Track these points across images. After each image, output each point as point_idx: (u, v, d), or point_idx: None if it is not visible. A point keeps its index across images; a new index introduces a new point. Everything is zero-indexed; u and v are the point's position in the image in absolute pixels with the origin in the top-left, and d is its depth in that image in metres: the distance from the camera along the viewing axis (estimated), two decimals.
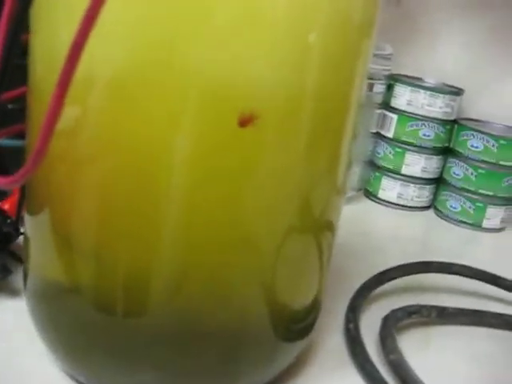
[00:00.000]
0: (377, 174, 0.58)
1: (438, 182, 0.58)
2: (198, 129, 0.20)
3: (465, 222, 0.56)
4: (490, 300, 0.40)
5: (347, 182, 0.27)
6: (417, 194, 0.57)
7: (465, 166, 0.55)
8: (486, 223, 0.55)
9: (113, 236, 0.22)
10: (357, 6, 0.21)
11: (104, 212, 0.22)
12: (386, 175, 0.57)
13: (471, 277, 0.39)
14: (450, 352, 0.34)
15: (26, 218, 0.25)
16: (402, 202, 0.57)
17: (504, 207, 0.55)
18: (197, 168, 0.20)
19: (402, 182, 0.57)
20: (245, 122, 0.20)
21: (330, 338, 0.33)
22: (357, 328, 0.32)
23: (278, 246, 0.23)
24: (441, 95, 0.54)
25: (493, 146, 0.53)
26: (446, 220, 0.57)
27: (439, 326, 0.36)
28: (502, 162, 0.53)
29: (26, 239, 0.25)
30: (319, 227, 0.25)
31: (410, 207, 0.58)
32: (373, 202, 0.59)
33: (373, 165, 0.59)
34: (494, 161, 0.53)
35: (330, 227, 0.26)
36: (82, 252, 0.23)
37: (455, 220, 0.56)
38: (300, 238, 0.24)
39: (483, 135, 0.53)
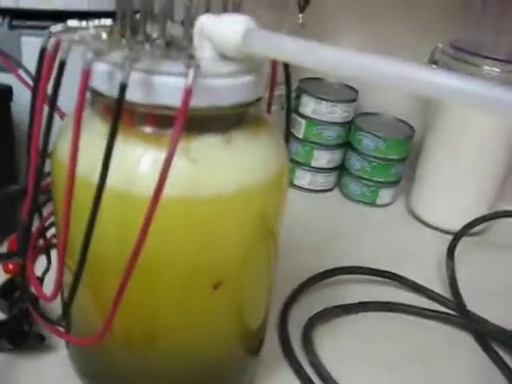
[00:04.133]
0: (291, 165, 0.71)
1: (341, 169, 0.72)
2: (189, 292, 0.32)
3: (362, 202, 0.70)
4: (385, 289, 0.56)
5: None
6: (324, 181, 0.71)
7: (361, 159, 0.68)
8: (378, 201, 0.70)
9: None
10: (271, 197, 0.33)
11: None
12: (298, 167, 0.70)
13: (365, 274, 0.54)
14: (350, 337, 0.49)
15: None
16: (312, 187, 0.71)
17: (393, 188, 0.70)
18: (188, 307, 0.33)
19: (311, 173, 0.70)
20: (216, 285, 0.32)
21: (268, 344, 0.47)
22: (287, 337, 0.46)
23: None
24: (339, 104, 0.66)
25: (382, 145, 0.66)
26: (347, 199, 0.72)
27: (343, 318, 0.51)
28: (389, 156, 0.67)
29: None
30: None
31: (318, 191, 0.72)
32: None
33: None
34: (383, 156, 0.67)
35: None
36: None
37: (355, 200, 0.71)
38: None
39: (374, 136, 0.66)
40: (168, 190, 0.26)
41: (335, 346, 0.47)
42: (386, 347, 0.48)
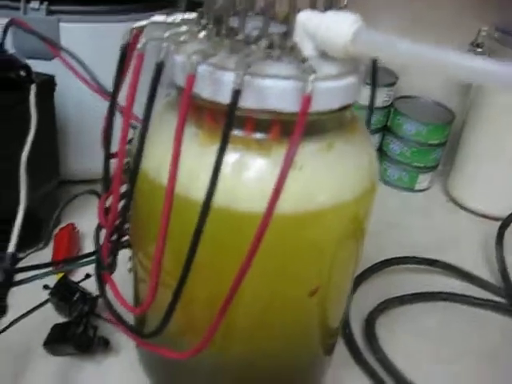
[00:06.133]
0: None
1: (379, 153, 0.71)
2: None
3: (400, 186, 0.69)
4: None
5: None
6: None
7: (400, 144, 0.67)
8: (417, 186, 0.69)
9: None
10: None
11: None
12: None
13: (418, 264, 0.54)
14: (409, 329, 0.48)
15: None
16: None
17: (431, 173, 0.69)
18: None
19: None
20: (313, 292, 0.31)
21: None
22: (350, 333, 0.46)
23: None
24: (380, 88, 0.65)
25: (423, 130, 0.65)
26: (385, 183, 0.70)
27: (400, 309, 0.50)
28: (430, 141, 0.66)
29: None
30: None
31: None
32: None
33: None
34: (424, 141, 0.66)
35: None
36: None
37: (393, 185, 0.70)
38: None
39: (415, 121, 0.65)
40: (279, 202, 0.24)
41: (396, 339, 0.46)
42: (445, 339, 0.48)
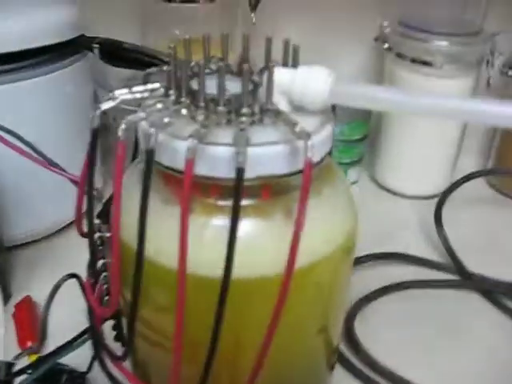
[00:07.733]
0: None
1: None
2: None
3: None
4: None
5: None
6: None
7: None
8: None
9: None
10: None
11: None
12: None
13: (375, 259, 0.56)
14: (384, 324, 0.50)
15: None
16: None
17: (357, 166, 0.72)
18: None
19: None
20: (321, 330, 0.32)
21: None
22: None
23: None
24: None
25: (345, 128, 0.68)
26: None
27: (369, 307, 0.52)
28: (352, 138, 0.69)
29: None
30: None
31: None
32: None
33: None
34: (347, 138, 0.69)
35: None
36: None
37: None
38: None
39: (337, 122, 0.67)
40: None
41: (373, 336, 0.48)
42: (417, 326, 0.51)
